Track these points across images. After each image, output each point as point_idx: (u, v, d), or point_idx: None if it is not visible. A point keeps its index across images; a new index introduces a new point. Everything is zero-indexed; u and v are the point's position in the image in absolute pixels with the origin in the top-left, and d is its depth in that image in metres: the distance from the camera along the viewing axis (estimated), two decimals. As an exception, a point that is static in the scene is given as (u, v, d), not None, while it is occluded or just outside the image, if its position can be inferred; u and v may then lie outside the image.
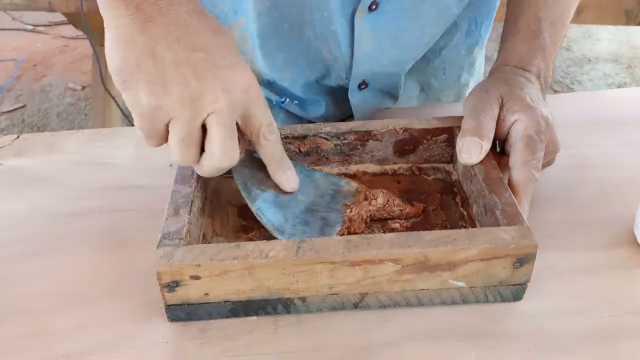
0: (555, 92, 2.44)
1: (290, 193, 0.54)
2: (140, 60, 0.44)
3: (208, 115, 0.46)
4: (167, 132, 0.47)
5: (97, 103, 1.98)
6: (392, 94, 0.77)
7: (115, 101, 1.95)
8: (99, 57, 1.90)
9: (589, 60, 2.76)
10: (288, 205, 0.54)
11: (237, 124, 0.48)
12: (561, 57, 2.79)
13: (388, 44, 0.68)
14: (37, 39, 3.05)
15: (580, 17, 1.72)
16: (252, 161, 0.54)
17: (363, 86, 0.73)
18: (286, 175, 0.53)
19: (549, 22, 0.64)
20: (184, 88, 0.45)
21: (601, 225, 0.58)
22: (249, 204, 0.52)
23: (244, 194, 0.52)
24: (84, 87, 2.63)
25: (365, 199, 0.57)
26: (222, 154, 0.47)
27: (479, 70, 0.88)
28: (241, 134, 0.50)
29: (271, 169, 0.53)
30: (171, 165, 0.67)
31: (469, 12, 0.76)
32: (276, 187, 0.54)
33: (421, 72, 0.80)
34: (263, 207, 0.52)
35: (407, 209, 0.56)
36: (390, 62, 0.71)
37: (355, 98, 0.75)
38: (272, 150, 0.52)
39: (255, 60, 0.74)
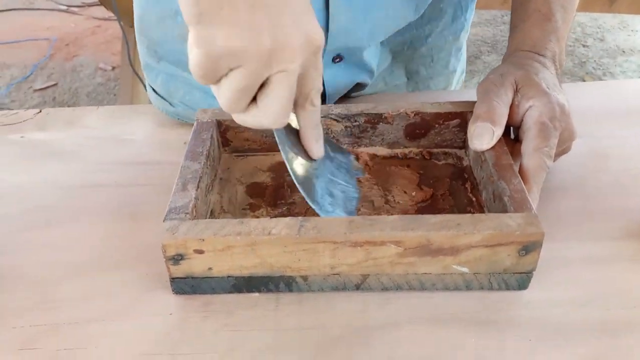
0: (584, 82, 2.39)
1: (314, 160, 0.52)
2: None
3: (277, 72, 0.42)
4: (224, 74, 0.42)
5: (125, 84, 2.01)
6: (368, 69, 0.74)
7: (143, 83, 1.97)
8: (128, 38, 1.92)
9: (623, 51, 2.69)
10: (315, 173, 0.52)
11: None
12: (594, 48, 2.73)
13: (361, 18, 0.66)
14: (70, 20, 3.10)
15: (613, 6, 1.67)
16: None
17: (337, 59, 0.70)
18: (317, 144, 0.51)
19: (559, 4, 0.62)
20: (264, 38, 0.40)
21: (614, 216, 0.57)
22: (287, 165, 0.49)
23: (283, 154, 0.49)
24: (113, 68, 2.67)
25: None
26: (275, 116, 0.44)
27: (464, 55, 0.87)
28: None
29: (306, 135, 0.51)
30: (185, 143, 0.67)
31: None
32: (304, 153, 0.52)
33: (408, 60, 0.79)
34: (299, 170, 0.50)
35: (415, 193, 0.56)
36: (365, 35, 0.69)
37: (327, 72, 0.71)
38: (312, 116, 0.49)
39: None
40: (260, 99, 0.43)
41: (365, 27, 0.67)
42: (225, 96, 0.43)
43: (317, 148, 0.51)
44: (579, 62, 2.58)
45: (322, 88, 0.47)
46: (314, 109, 0.48)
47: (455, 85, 0.87)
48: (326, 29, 0.66)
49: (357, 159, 0.60)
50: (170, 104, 0.74)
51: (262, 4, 0.40)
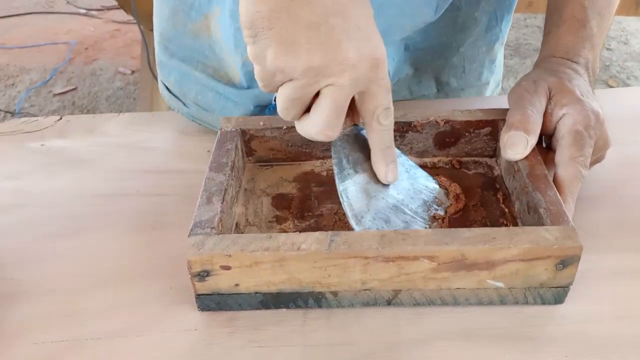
0: (610, 87, 2.35)
1: (383, 184, 0.51)
2: (274, 16, 0.41)
3: (326, 86, 0.44)
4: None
5: (144, 88, 2.01)
6: None
7: (162, 86, 1.96)
8: (147, 42, 1.92)
9: (647, 55, 2.65)
10: (377, 196, 0.50)
11: (354, 97, 0.46)
12: (618, 51, 2.69)
13: (374, 13, 0.63)
14: (89, 23, 3.11)
15: (639, 9, 1.64)
16: (356, 138, 0.51)
17: None
18: (388, 168, 0.50)
19: (595, 11, 0.60)
20: (312, 55, 0.42)
21: (648, 226, 0.55)
22: (337, 182, 0.49)
23: (335, 170, 0.50)
24: (133, 72, 2.67)
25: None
26: (320, 128, 0.46)
27: (499, 68, 0.85)
28: (353, 109, 0.48)
29: (375, 156, 0.50)
30: (209, 151, 0.66)
31: (488, 5, 0.72)
32: (371, 172, 0.51)
33: (439, 70, 0.77)
34: (350, 189, 0.49)
35: (449, 204, 0.55)
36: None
37: None
38: (381, 137, 0.49)
39: (233, 56, 0.68)
40: (311, 110, 0.46)
41: (378, 23, 0.65)
42: (279, 104, 0.46)
43: (386, 172, 0.50)
44: (602, 66, 2.55)
45: (392, 107, 0.48)
46: (382, 128, 0.48)
47: None
48: None
49: (447, 194, 0.56)
50: (184, 104, 0.73)
51: (319, 22, 0.42)
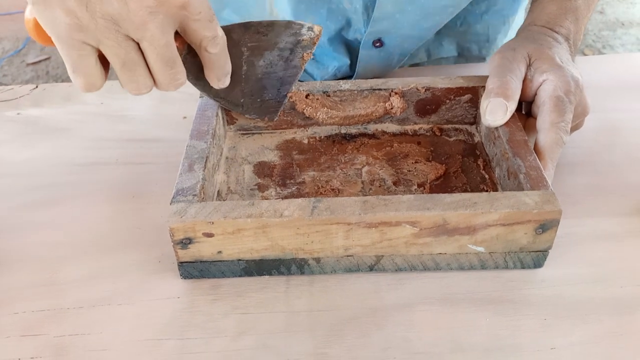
0: (586, 55, 2.37)
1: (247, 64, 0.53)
2: None
3: (140, 42, 0.43)
4: (103, 61, 0.45)
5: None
6: (406, 54, 0.72)
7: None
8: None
9: (622, 24, 2.66)
10: (246, 76, 0.53)
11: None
12: (594, 20, 2.70)
13: (408, 8, 0.65)
14: (61, -9, 3.03)
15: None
16: None
17: (378, 44, 0.69)
18: (221, 81, 0.51)
19: None
20: (106, 5, 0.40)
21: (627, 191, 0.56)
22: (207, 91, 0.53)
23: (197, 86, 0.53)
24: (108, 41, 2.62)
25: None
26: (166, 83, 0.47)
27: None
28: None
29: (208, 73, 0.50)
30: (185, 117, 0.66)
31: None
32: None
33: (460, 35, 0.76)
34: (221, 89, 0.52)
35: (427, 171, 0.55)
36: (410, 25, 0.67)
37: (366, 55, 0.70)
38: (214, 61, 0.49)
39: (275, 9, 0.71)
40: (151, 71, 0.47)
41: (412, 17, 0.65)
42: (120, 78, 0.47)
43: (217, 81, 0.51)
44: (579, 35, 2.55)
45: (218, 34, 0.47)
46: (211, 55, 0.48)
47: None
48: (372, 10, 0.65)
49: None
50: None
51: None
